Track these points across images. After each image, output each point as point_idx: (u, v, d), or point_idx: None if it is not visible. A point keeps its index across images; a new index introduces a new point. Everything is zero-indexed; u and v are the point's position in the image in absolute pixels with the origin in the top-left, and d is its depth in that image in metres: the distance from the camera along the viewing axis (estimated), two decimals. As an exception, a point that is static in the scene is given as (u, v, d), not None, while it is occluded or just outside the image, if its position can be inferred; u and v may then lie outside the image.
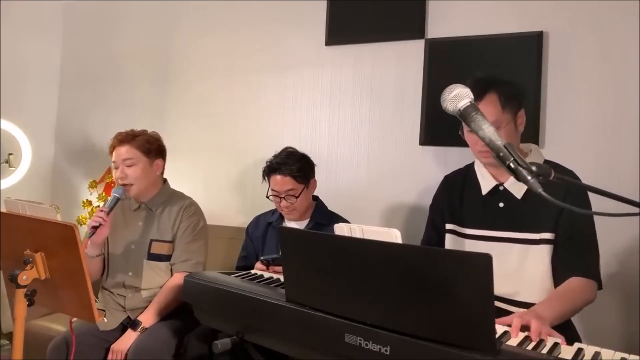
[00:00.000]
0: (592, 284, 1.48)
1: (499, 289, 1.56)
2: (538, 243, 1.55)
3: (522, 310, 1.54)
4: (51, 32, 3.44)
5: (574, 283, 1.47)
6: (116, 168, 2.08)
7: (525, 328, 1.22)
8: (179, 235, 2.10)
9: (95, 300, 1.67)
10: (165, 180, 2.22)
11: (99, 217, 1.91)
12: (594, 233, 1.54)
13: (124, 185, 2.05)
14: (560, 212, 1.52)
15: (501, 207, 1.61)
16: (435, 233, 1.79)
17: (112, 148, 2.10)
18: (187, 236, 2.10)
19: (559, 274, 1.52)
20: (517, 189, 1.58)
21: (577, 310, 1.46)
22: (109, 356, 1.89)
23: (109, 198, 2.02)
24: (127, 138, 2.09)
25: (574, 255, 1.51)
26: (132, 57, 3.22)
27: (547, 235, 1.54)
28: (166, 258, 2.10)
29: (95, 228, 1.90)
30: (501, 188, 1.62)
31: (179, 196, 2.21)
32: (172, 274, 2.09)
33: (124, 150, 2.06)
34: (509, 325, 1.23)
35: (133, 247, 2.10)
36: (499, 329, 1.21)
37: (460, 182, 1.75)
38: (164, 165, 2.19)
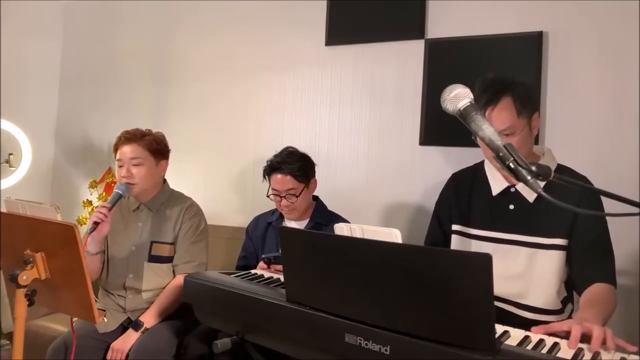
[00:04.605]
0: (614, 289, 1.46)
1: (504, 290, 1.54)
2: (549, 248, 1.52)
3: (531, 314, 1.52)
4: (51, 32, 3.44)
5: (600, 289, 1.44)
6: (120, 166, 2.05)
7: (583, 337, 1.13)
8: (180, 236, 2.08)
9: (96, 300, 1.68)
10: (165, 181, 2.20)
11: (101, 212, 1.88)
12: (609, 237, 1.52)
13: (127, 184, 2.02)
14: (575, 217, 1.49)
15: (511, 209, 1.58)
16: (440, 230, 1.77)
17: (117, 146, 2.08)
18: (190, 237, 2.08)
19: (580, 281, 1.49)
20: (529, 192, 1.53)
21: (610, 316, 1.38)
22: (109, 354, 1.88)
23: (112, 194, 1.99)
24: (135, 137, 2.06)
25: (596, 261, 1.48)
26: (132, 57, 3.22)
27: (559, 241, 1.52)
28: (167, 260, 2.08)
29: (96, 224, 1.87)
30: (512, 190, 1.59)
31: (178, 197, 2.19)
32: (174, 275, 2.08)
33: (131, 149, 2.04)
34: (553, 335, 1.16)
35: (133, 248, 2.08)
36: (499, 328, 1.21)
37: (469, 181, 1.72)
38: (167, 166, 2.18)
